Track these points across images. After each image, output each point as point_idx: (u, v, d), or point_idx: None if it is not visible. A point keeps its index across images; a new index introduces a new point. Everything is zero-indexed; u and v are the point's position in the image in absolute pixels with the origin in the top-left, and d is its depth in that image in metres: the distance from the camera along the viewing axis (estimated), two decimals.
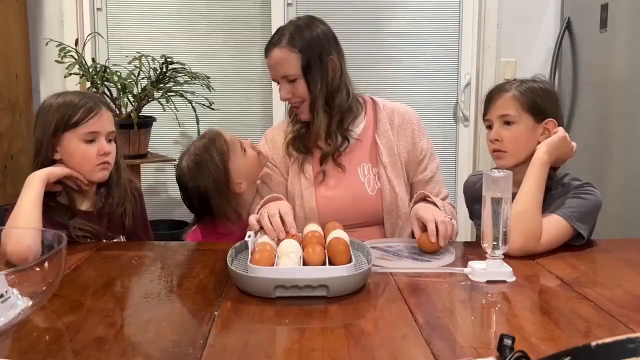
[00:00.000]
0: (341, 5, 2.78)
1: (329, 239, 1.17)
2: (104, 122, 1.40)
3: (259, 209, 1.36)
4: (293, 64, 1.51)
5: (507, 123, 1.40)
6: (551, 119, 1.39)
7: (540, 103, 1.40)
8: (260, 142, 1.67)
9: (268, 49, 1.54)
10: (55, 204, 1.40)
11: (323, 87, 1.53)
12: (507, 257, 1.18)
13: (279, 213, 1.24)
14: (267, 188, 1.61)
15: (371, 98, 1.66)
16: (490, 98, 1.45)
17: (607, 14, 2.28)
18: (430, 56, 2.85)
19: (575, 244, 1.34)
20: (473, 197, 1.52)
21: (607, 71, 2.30)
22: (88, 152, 1.38)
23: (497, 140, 1.41)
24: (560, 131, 1.37)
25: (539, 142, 1.38)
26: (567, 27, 2.62)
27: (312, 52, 1.52)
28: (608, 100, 2.25)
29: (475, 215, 1.52)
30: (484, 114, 1.47)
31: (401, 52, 2.83)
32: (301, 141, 1.59)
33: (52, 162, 1.39)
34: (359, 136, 1.60)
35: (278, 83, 1.56)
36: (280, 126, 1.69)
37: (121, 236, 1.49)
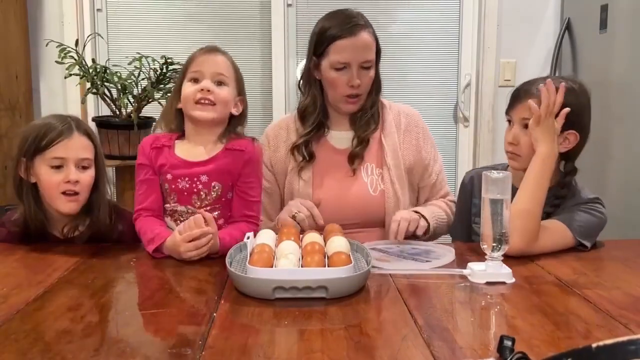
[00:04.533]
0: (341, 6, 2.77)
1: (329, 251, 1.14)
2: (73, 148, 1.32)
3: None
4: (373, 51, 1.51)
5: (527, 127, 1.33)
6: (573, 132, 1.33)
7: (570, 111, 1.30)
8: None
9: (354, 30, 1.49)
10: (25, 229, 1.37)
11: (379, 86, 1.58)
12: (505, 256, 1.17)
13: (306, 207, 1.42)
14: (267, 201, 1.58)
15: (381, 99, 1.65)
16: (518, 96, 1.38)
17: (607, 14, 2.28)
18: (430, 57, 2.85)
19: (577, 247, 1.34)
20: (471, 193, 1.52)
21: (607, 71, 2.30)
22: (51, 179, 1.31)
23: (513, 143, 1.37)
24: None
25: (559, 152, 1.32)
26: (567, 27, 2.61)
27: (379, 49, 1.55)
28: (608, 100, 2.24)
29: (474, 213, 1.51)
30: (508, 109, 1.41)
31: (401, 52, 2.83)
32: (307, 146, 1.56)
33: (20, 185, 1.35)
34: None
35: (342, 68, 1.49)
36: (281, 124, 1.64)
37: None
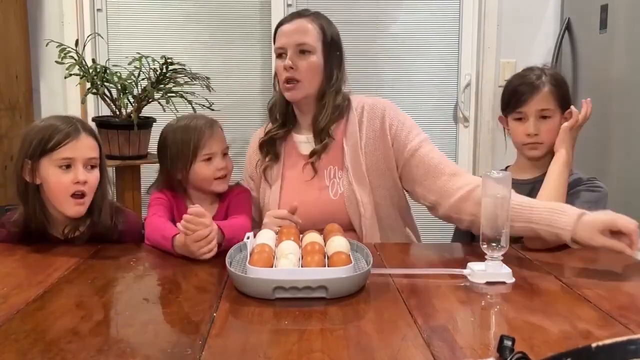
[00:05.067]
0: (341, 6, 2.78)
1: (329, 251, 1.14)
2: (81, 148, 1.33)
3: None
4: (313, 36, 1.49)
5: (544, 117, 1.48)
6: (572, 110, 1.48)
7: (567, 95, 1.51)
8: (250, 144, 1.67)
9: (286, 19, 1.51)
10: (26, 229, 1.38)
11: (336, 81, 1.52)
12: (528, 250, 1.26)
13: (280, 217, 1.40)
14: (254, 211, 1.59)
15: (350, 98, 1.58)
16: (523, 92, 1.49)
17: (607, 14, 2.28)
18: (430, 57, 2.85)
19: None
20: None
21: (607, 71, 2.30)
22: (61, 180, 1.31)
23: (537, 134, 1.48)
24: (563, 126, 1.47)
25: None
26: (567, 27, 2.61)
27: (333, 40, 1.52)
28: (608, 100, 2.24)
29: None
30: (515, 107, 1.51)
31: (401, 52, 2.83)
32: (273, 144, 1.57)
33: (23, 186, 1.35)
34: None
35: (280, 55, 1.50)
36: (261, 132, 1.65)
37: None
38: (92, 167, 1.36)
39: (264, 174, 1.58)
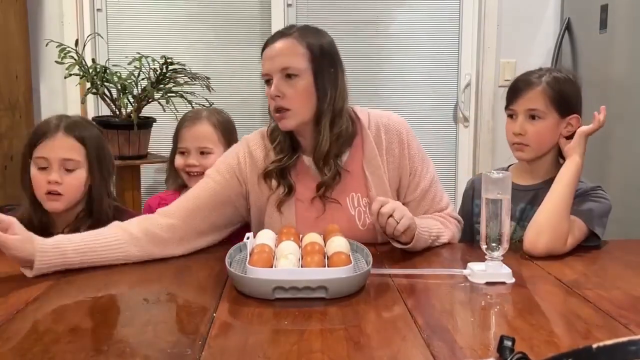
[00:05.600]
0: (341, 6, 2.78)
1: (329, 251, 1.13)
2: (55, 148, 1.32)
3: None
4: (299, 57, 1.32)
5: (533, 117, 1.39)
6: (575, 115, 1.39)
7: (567, 98, 1.40)
8: (238, 146, 1.46)
9: (269, 41, 1.36)
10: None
11: (331, 102, 1.35)
12: (530, 256, 1.23)
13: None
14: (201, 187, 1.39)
15: (356, 114, 1.45)
16: (518, 88, 1.42)
17: (607, 14, 2.28)
18: (430, 57, 2.85)
19: (590, 244, 1.35)
20: (472, 195, 1.53)
21: (607, 71, 2.30)
22: (37, 179, 1.34)
23: (521, 134, 1.40)
24: (579, 131, 1.36)
25: (562, 136, 1.39)
26: (567, 27, 2.61)
27: (324, 57, 1.35)
28: (608, 100, 2.24)
29: (476, 213, 1.52)
30: (508, 103, 1.45)
31: (401, 53, 2.83)
32: (284, 175, 1.39)
33: (25, 183, 1.38)
34: (346, 166, 1.40)
35: (268, 81, 1.35)
36: (261, 140, 1.44)
37: None
38: (70, 169, 1.35)
39: (278, 207, 1.39)
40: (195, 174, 1.59)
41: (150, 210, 1.51)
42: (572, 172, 1.32)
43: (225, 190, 1.39)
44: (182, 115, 1.78)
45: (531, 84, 1.40)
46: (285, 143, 1.40)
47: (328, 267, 1.08)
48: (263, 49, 1.38)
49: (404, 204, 1.34)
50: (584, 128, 1.35)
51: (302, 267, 1.08)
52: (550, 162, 1.44)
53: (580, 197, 1.37)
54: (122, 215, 1.45)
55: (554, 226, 1.28)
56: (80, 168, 1.37)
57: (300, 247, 1.17)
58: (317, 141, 1.37)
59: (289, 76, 1.33)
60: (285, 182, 1.39)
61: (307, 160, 1.43)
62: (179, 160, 1.64)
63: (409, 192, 1.44)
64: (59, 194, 1.34)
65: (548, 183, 1.37)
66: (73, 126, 1.38)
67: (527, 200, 1.43)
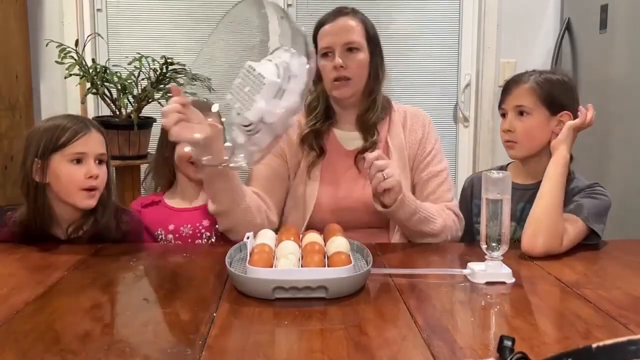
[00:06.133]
0: (341, 5, 2.78)
1: (329, 251, 1.14)
2: (92, 143, 1.37)
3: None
4: (359, 33, 1.50)
5: (521, 114, 1.41)
6: (567, 112, 1.39)
7: (557, 95, 1.40)
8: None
9: (331, 17, 1.52)
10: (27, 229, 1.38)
11: (381, 76, 1.54)
12: (530, 257, 1.23)
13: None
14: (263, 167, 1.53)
15: (389, 98, 1.63)
16: (508, 87, 1.45)
17: (607, 14, 2.28)
18: (430, 57, 2.85)
19: (589, 242, 1.35)
20: (471, 195, 1.53)
21: (607, 71, 2.30)
22: (74, 174, 1.34)
23: (510, 130, 1.42)
24: (567, 124, 1.37)
25: (554, 134, 1.39)
26: (567, 27, 2.61)
27: (375, 36, 1.55)
28: (608, 100, 2.24)
29: (475, 213, 1.52)
30: (500, 103, 1.48)
31: (401, 53, 2.83)
32: (317, 139, 1.55)
33: (40, 186, 1.35)
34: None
35: (326, 54, 1.50)
36: (299, 116, 1.59)
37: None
38: (101, 162, 1.39)
39: (308, 170, 1.54)
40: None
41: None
42: (560, 166, 1.33)
43: (281, 168, 1.56)
44: None
45: (519, 82, 1.42)
46: (322, 111, 1.56)
47: (328, 267, 1.08)
48: (320, 26, 1.53)
49: (412, 183, 1.53)
50: (572, 122, 1.37)
51: (302, 267, 1.08)
52: (548, 161, 1.42)
53: (578, 195, 1.37)
54: (124, 215, 1.46)
55: (549, 225, 1.27)
56: (105, 162, 1.41)
57: (300, 246, 1.17)
58: (364, 112, 1.54)
59: (350, 50, 1.49)
60: (317, 145, 1.54)
61: (338, 132, 1.58)
62: (180, 150, 1.52)
63: (418, 172, 1.55)
64: (95, 189, 1.36)
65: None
66: (94, 122, 1.43)
67: (527, 199, 1.43)
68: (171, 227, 1.53)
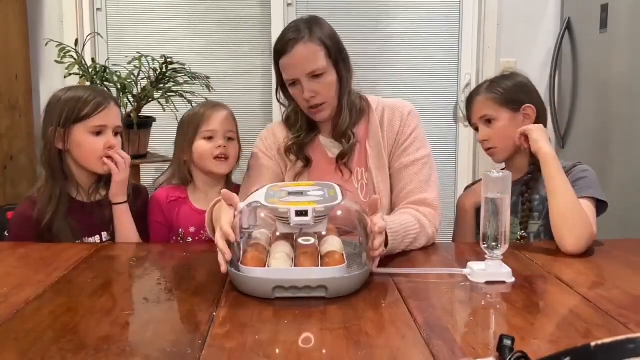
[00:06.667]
0: (341, 5, 2.78)
1: (323, 251, 1.12)
2: (112, 116, 1.47)
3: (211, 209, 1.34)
4: (321, 57, 1.45)
5: (489, 122, 1.51)
6: (528, 105, 1.49)
7: (512, 94, 1.50)
8: (256, 142, 1.60)
9: (287, 47, 1.45)
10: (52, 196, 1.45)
11: (348, 82, 1.51)
12: (571, 255, 1.27)
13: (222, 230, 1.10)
14: (257, 170, 1.54)
15: (367, 98, 1.58)
16: (469, 103, 1.57)
17: (607, 14, 2.28)
18: (430, 56, 2.85)
19: (600, 214, 1.40)
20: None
21: (607, 71, 2.30)
22: (95, 145, 1.45)
23: (485, 140, 1.52)
24: (523, 128, 1.45)
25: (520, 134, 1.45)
26: (567, 27, 2.61)
27: (334, 45, 1.48)
28: (608, 100, 2.24)
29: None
30: (468, 120, 1.59)
31: (401, 52, 2.83)
32: (301, 150, 1.53)
33: (59, 153, 1.46)
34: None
35: (294, 83, 1.48)
36: (280, 125, 1.61)
37: (105, 233, 1.50)
38: (117, 134, 1.50)
39: (295, 179, 1.52)
40: (223, 157, 1.56)
41: (159, 205, 1.57)
42: (553, 163, 1.37)
43: (277, 167, 1.55)
44: (182, 114, 1.77)
45: (476, 96, 1.54)
46: (303, 124, 1.55)
47: (322, 266, 1.08)
48: (279, 55, 1.48)
49: (390, 171, 1.51)
50: (525, 127, 1.44)
51: (295, 266, 1.08)
52: (526, 154, 1.49)
53: (569, 178, 1.41)
54: (138, 192, 1.59)
55: (578, 219, 1.30)
56: (120, 134, 1.51)
57: (293, 246, 1.16)
58: (335, 120, 1.52)
59: (316, 76, 1.46)
60: (302, 156, 1.53)
61: (323, 139, 1.57)
62: (205, 146, 1.56)
63: (393, 161, 1.51)
64: (112, 158, 1.46)
65: (532, 172, 1.47)
66: (112, 95, 1.53)
67: (517, 193, 1.49)
68: (192, 229, 1.56)
